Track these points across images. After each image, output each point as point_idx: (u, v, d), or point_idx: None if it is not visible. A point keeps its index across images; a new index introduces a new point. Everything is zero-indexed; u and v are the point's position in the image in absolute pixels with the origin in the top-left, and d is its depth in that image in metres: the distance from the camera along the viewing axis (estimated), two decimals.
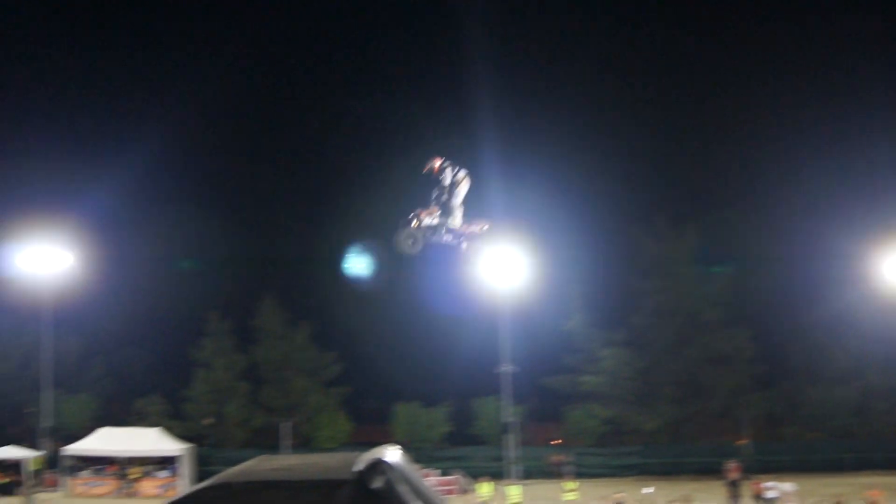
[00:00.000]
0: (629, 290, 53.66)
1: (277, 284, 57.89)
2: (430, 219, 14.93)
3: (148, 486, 43.59)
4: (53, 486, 44.08)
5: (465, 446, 51.46)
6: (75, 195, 54.68)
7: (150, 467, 44.56)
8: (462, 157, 15.12)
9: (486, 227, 15.17)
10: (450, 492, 39.73)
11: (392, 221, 15.37)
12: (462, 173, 14.82)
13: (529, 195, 52.49)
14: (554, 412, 54.92)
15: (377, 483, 12.36)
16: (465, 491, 42.11)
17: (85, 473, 44.15)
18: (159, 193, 66.96)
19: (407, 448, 15.25)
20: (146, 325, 57.77)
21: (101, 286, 51.92)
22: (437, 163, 14.82)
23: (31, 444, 46.91)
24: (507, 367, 44.15)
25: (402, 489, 12.31)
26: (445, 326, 53.22)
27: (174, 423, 51.12)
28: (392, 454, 13.36)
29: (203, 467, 43.48)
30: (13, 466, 44.54)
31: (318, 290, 59.73)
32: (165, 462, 44.60)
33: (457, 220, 14.89)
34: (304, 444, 51.12)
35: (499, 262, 41.29)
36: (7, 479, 43.48)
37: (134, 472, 44.19)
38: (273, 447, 45.68)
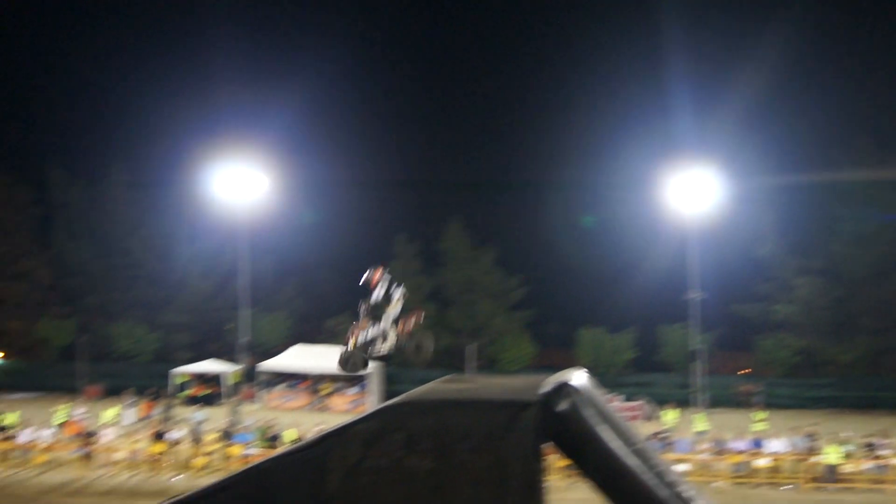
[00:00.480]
0: (827, 217, 50.95)
1: (464, 208, 58.19)
2: (363, 335, 14.36)
3: (338, 402, 44.97)
4: (251, 398, 46.18)
5: (650, 373, 50.64)
6: (270, 118, 56.19)
7: (340, 384, 45.90)
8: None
9: (421, 316, 14.23)
10: (634, 417, 39.34)
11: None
12: (400, 289, 14.31)
13: (725, 119, 50.56)
14: (743, 341, 53.23)
15: (563, 406, 11.97)
16: (650, 417, 41.57)
17: (279, 388, 46.05)
18: (349, 115, 68.11)
19: (591, 373, 14.90)
20: (336, 248, 59.41)
21: (295, 209, 53.53)
22: (377, 275, 14.33)
23: (230, 359, 49.23)
24: (695, 294, 42.88)
25: (588, 413, 11.99)
26: (633, 251, 52.26)
27: None
28: (578, 378, 12.93)
29: (391, 386, 44.51)
30: (214, 379, 47.04)
31: (503, 214, 59.67)
32: (355, 379, 45.84)
33: (392, 330, 14.27)
34: (489, 366, 51.56)
35: (689, 186, 40.06)
36: (208, 391, 45.95)
37: (325, 387, 45.70)
38: (458, 368, 46.21)
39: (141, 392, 41.02)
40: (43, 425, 29.90)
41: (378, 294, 14.33)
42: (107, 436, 29.54)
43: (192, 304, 56.34)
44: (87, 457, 28.38)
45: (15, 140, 75.97)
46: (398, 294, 14.30)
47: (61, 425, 32.54)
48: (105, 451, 28.58)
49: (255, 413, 39.29)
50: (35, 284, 58.80)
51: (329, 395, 45.43)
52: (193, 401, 43.76)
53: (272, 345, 52.00)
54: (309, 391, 45.84)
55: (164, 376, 47.30)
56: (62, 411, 34.30)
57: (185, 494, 13.53)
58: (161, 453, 27.82)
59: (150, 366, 52.91)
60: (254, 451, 27.35)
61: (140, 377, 47.82)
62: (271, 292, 55.71)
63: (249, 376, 47.00)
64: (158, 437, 28.35)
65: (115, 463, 27.98)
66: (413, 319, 14.35)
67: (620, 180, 55.02)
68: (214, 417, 34.58)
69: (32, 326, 57.04)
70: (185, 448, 28.83)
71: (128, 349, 55.16)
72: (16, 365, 56.71)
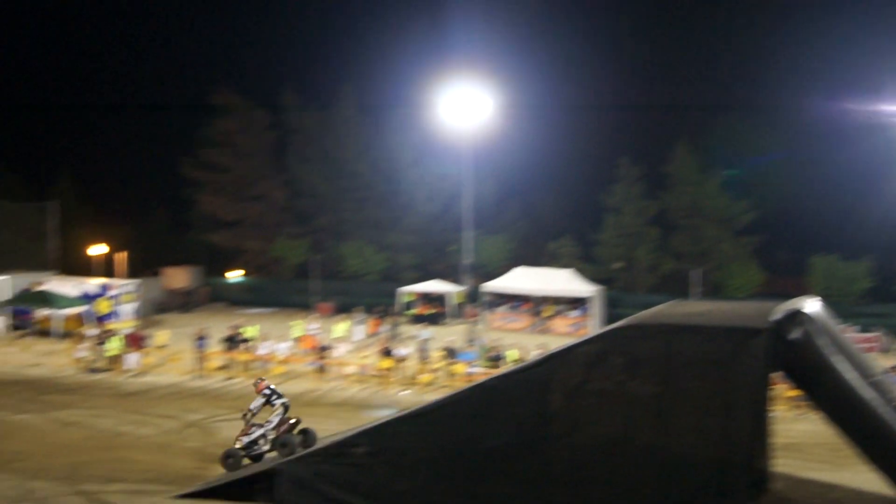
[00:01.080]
0: None
1: (690, 131, 56.34)
2: (246, 437, 16.76)
3: (560, 324, 45.16)
4: (474, 318, 47.07)
5: (888, 303, 47.84)
6: (497, 39, 56.17)
7: (561, 306, 46.08)
8: None
9: (296, 420, 16.93)
10: (870, 349, 37.40)
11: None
12: (280, 399, 17.12)
13: None
14: None
15: (795, 334, 11.48)
16: (887, 350, 39.49)
17: (502, 309, 46.69)
18: (568, 39, 67.00)
19: (825, 302, 14.32)
20: (559, 170, 59.17)
21: (517, 131, 53.45)
22: (261, 386, 17.32)
23: (454, 280, 50.33)
24: None
25: (822, 342, 11.48)
26: (870, 175, 49.16)
27: (585, 266, 52.30)
28: (812, 306, 12.35)
29: (612, 309, 44.26)
30: (438, 299, 48.26)
31: (731, 137, 57.32)
32: (576, 302, 45.88)
33: (273, 432, 16.75)
34: (714, 292, 50.23)
35: None
36: (433, 311, 47.25)
37: (547, 310, 45.97)
38: (682, 293, 45.33)
39: (369, 310, 42.66)
40: (280, 339, 31.64)
41: (258, 403, 17.20)
42: (338, 350, 30.96)
43: (417, 225, 57.82)
44: (321, 370, 29.85)
45: (253, 65, 79.78)
46: (278, 403, 17.12)
47: (297, 339, 34.37)
48: (337, 365, 29.96)
49: (479, 332, 40.09)
50: (271, 206, 61.93)
51: (550, 317, 45.68)
52: (419, 319, 45.18)
53: (494, 266, 52.69)
54: (530, 313, 46.24)
55: (391, 295, 48.95)
56: (298, 326, 36.21)
57: (414, 408, 13.94)
58: (389, 369, 28.87)
59: (378, 285, 54.85)
60: (477, 369, 27.91)
61: (368, 295, 49.69)
62: (494, 214, 56.27)
63: (473, 297, 47.86)
64: (386, 353, 29.40)
65: (346, 376, 29.29)
66: (287, 426, 16.86)
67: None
68: (439, 336, 35.52)
69: (269, 246, 60.27)
70: (412, 364, 29.80)
71: (357, 268, 57.35)
72: (254, 282, 60.24)
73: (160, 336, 33.18)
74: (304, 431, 17.03)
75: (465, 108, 47.18)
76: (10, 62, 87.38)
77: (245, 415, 17.31)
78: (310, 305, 51.70)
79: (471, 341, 33.36)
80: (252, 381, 18.48)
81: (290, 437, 16.77)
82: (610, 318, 40.85)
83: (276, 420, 17.07)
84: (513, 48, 55.45)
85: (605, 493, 11.81)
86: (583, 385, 12.29)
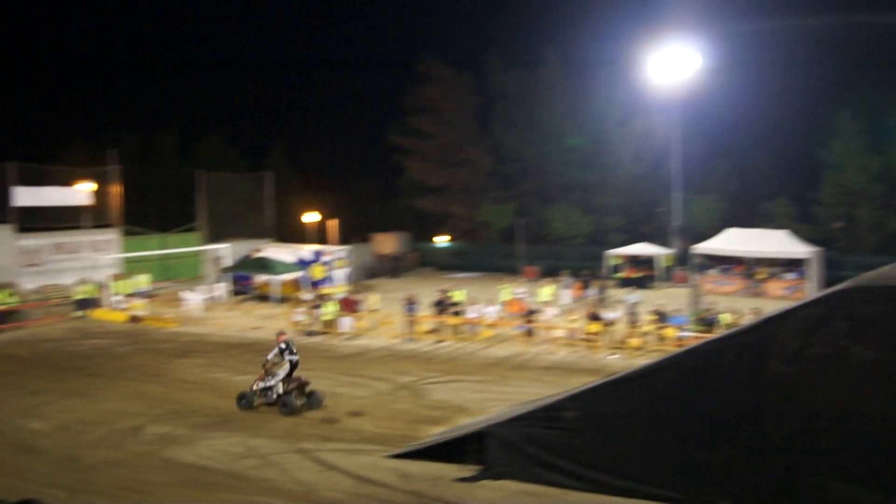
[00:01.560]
0: None
1: None
2: (262, 383, 19.83)
3: (774, 287, 43.46)
4: (683, 282, 46.02)
5: None
6: None
7: (776, 269, 44.34)
8: None
9: (304, 382, 19.86)
10: None
11: None
12: (294, 356, 20.01)
13: None
14: None
15: None
16: None
17: (712, 272, 45.34)
18: None
19: None
20: (771, 127, 56.66)
21: (728, 87, 51.56)
22: (282, 338, 20.22)
23: (662, 242, 49.31)
24: None
25: None
26: None
27: (801, 226, 49.99)
28: None
29: (831, 271, 42.13)
30: (646, 262, 47.39)
31: None
32: (792, 264, 44.02)
33: (280, 384, 19.67)
34: None
35: None
36: (641, 274, 46.43)
37: (760, 272, 44.32)
38: None
39: (575, 273, 42.39)
40: (487, 303, 31.93)
41: (273, 353, 19.97)
42: (546, 314, 30.94)
43: (624, 187, 56.83)
44: (529, 333, 29.94)
45: (457, 31, 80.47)
46: (287, 359, 19.82)
47: (504, 303, 34.60)
48: (544, 329, 29.96)
49: (688, 297, 39.18)
50: (477, 170, 62.49)
51: (764, 280, 44.01)
52: (626, 283, 44.51)
53: (704, 227, 51.22)
54: (743, 276, 44.72)
55: (598, 258, 48.50)
56: (506, 290, 36.44)
57: (624, 372, 13.69)
58: (597, 332, 28.62)
59: (584, 248, 54.49)
60: (688, 333, 27.27)
61: (574, 259, 49.46)
62: (703, 174, 54.57)
63: (682, 260, 46.79)
64: (594, 317, 29.14)
65: (554, 340, 29.25)
66: (295, 384, 19.73)
67: None
68: (647, 299, 34.91)
69: (475, 211, 60.91)
70: (620, 328, 29.43)
71: (563, 232, 57.14)
72: (461, 247, 61.11)
73: (371, 300, 34.16)
74: (311, 394, 20.00)
75: (672, 64, 46.03)
76: (221, 43, 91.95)
77: (264, 364, 20.07)
78: (516, 269, 51.96)
79: (697, 304, 32.51)
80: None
81: (289, 398, 19.49)
82: (829, 281, 38.91)
83: (282, 374, 19.74)
84: (722, 3, 53.29)
85: (827, 463, 11.25)
86: (803, 350, 11.74)
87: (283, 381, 19.71)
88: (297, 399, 19.61)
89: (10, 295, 34.33)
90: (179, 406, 20.30)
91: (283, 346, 20.06)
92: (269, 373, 19.91)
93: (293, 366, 19.92)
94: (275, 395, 19.71)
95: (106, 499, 13.90)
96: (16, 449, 16.83)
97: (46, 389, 22.26)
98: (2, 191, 37.91)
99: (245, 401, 19.87)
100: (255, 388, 19.92)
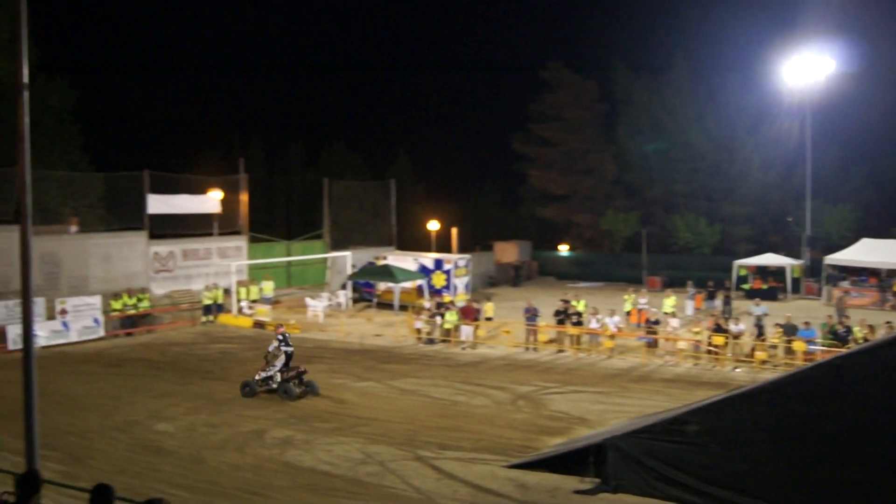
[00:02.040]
0: None
1: None
2: (263, 373, 21.94)
3: None
4: (814, 293, 44.54)
5: None
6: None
7: None
8: None
9: (302, 369, 22.07)
10: None
11: None
12: (289, 348, 22.04)
13: None
14: None
15: None
16: None
17: (845, 283, 43.64)
18: None
19: None
20: None
21: (863, 92, 49.79)
22: (279, 331, 22.52)
23: (792, 253, 47.81)
24: None
25: None
26: None
27: None
28: None
29: None
30: (774, 273, 45.91)
31: None
32: None
33: (279, 374, 21.76)
34: None
35: None
36: (769, 285, 45.00)
37: None
38: None
39: (701, 284, 41.40)
40: (609, 313, 31.48)
41: (274, 345, 22.07)
42: (669, 325, 30.28)
43: (753, 195, 55.28)
44: (651, 345, 29.37)
45: (582, 37, 80.00)
46: (283, 351, 21.81)
47: (627, 313, 34.03)
48: (667, 340, 29.34)
49: (819, 309, 37.86)
50: (601, 179, 61.91)
51: None
52: (753, 294, 43.18)
53: (837, 237, 49.49)
54: (877, 288, 42.88)
55: (723, 269, 47.26)
56: (628, 300, 35.86)
57: (750, 386, 13.17)
58: (722, 345, 27.88)
59: (710, 258, 53.30)
60: (818, 347, 26.31)
61: (699, 269, 48.38)
62: (837, 182, 52.81)
63: (812, 271, 45.30)
64: (719, 329, 28.40)
65: (677, 352, 28.60)
66: (293, 372, 21.86)
67: None
68: (776, 312, 33.85)
69: (598, 219, 60.28)
70: (747, 341, 28.58)
71: (688, 241, 56.01)
72: (582, 256, 60.57)
73: (487, 308, 34.07)
74: (308, 383, 22.08)
75: (805, 69, 44.80)
76: (346, 52, 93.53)
77: (266, 355, 22.14)
78: (639, 279, 51.18)
79: (841, 317, 31.30)
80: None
81: (289, 385, 21.57)
82: None
83: (278, 364, 21.74)
84: (854, 3, 51.45)
85: None
86: None
87: (281, 370, 21.83)
88: (296, 387, 21.82)
89: (143, 299, 35.49)
90: (301, 411, 20.63)
91: (280, 337, 22.21)
92: (269, 363, 21.92)
93: (289, 356, 21.96)
94: (275, 384, 21.74)
95: (228, 500, 14.18)
96: (145, 449, 17.36)
97: (174, 392, 22.92)
98: (136, 198, 39.26)
99: (249, 388, 22.08)
100: (257, 377, 22.03)
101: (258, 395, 22.02)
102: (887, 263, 42.42)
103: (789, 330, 27.74)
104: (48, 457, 15.52)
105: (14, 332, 28.88)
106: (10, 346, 28.95)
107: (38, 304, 29.99)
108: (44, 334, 29.83)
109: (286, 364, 21.91)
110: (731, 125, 54.92)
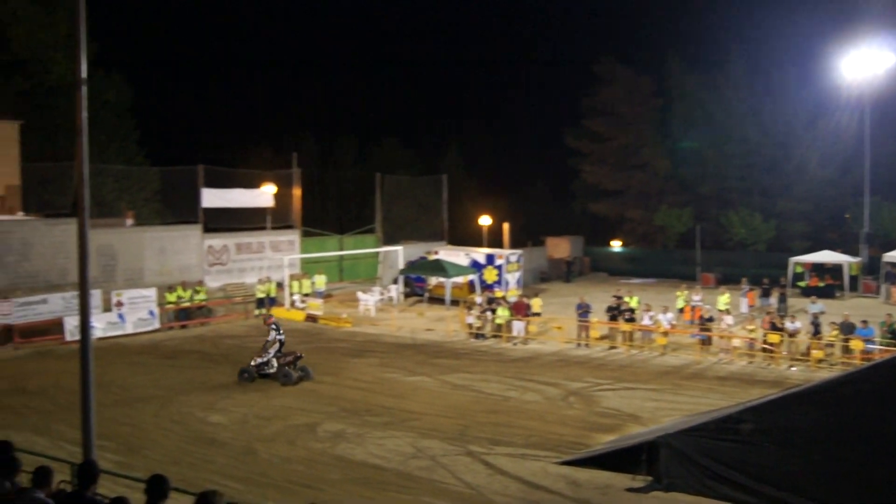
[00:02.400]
0: None
1: None
2: (259, 359, 23.22)
3: None
4: (872, 292, 43.78)
5: None
6: None
7: None
8: None
9: (298, 356, 23.32)
10: None
11: None
12: (281, 336, 23.45)
13: None
14: None
15: None
16: None
17: None
18: None
19: None
20: None
21: None
22: (271, 320, 24.13)
23: (850, 250, 47.01)
24: None
25: None
26: None
27: None
28: None
29: None
30: (831, 270, 45.16)
31: None
32: None
33: (274, 360, 23.15)
34: None
35: None
36: (826, 283, 44.28)
37: None
38: None
39: (756, 281, 40.85)
40: (662, 310, 31.16)
41: (272, 336, 23.29)
42: (723, 322, 29.93)
43: (809, 191, 54.36)
44: (705, 342, 29.06)
45: (637, 32, 79.41)
46: (276, 338, 23.24)
47: (680, 310, 33.72)
48: (722, 338, 29.02)
49: (877, 307, 37.20)
50: (654, 174, 61.34)
51: None
52: (809, 291, 42.53)
53: (895, 235, 48.61)
54: None
55: (778, 266, 46.61)
56: (681, 297, 35.50)
57: (806, 386, 13.07)
58: (777, 343, 27.50)
59: (765, 255, 52.65)
60: (877, 346, 25.85)
61: (754, 266, 47.84)
62: (895, 179, 51.82)
63: (870, 269, 44.50)
64: (774, 327, 28.01)
65: (732, 349, 28.26)
66: (290, 357, 23.20)
67: None
68: (832, 310, 33.32)
69: (651, 215, 59.78)
70: (803, 339, 28.16)
71: (742, 237, 55.32)
72: (635, 252, 60.12)
73: (534, 303, 33.88)
74: (303, 368, 23.37)
75: (865, 63, 44.04)
76: (399, 47, 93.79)
77: (264, 344, 23.36)
78: (693, 276, 50.69)
79: None
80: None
81: (288, 370, 22.87)
82: None
83: (272, 351, 23.11)
84: None
85: None
86: None
87: (276, 356, 23.17)
88: (293, 371, 23.05)
89: (200, 292, 35.89)
90: (352, 404, 20.71)
91: (273, 326, 23.60)
92: (264, 350, 22.86)
93: (281, 344, 23.36)
94: (272, 369, 23.08)
95: (280, 493, 14.27)
96: (198, 441, 17.55)
97: (227, 384, 23.13)
98: (191, 192, 39.71)
99: (247, 374, 23.22)
100: (252, 363, 23.33)
101: (305, 389, 22.19)
102: None
103: (846, 328, 27.27)
104: (104, 447, 15.73)
105: (71, 324, 29.30)
106: (68, 338, 29.41)
107: (95, 296, 30.42)
108: (100, 326, 30.26)
109: (279, 350, 23.26)
110: (788, 120, 54.07)
